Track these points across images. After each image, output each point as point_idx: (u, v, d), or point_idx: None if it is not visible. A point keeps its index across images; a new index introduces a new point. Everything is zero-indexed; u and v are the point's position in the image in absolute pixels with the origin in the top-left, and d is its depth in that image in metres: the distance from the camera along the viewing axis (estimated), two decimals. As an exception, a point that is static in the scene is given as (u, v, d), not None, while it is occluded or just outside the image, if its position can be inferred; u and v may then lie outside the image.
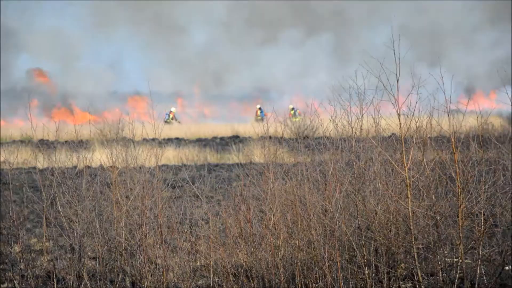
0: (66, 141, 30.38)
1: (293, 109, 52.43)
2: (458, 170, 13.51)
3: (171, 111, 53.61)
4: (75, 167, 15.62)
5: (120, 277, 14.93)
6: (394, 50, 13.41)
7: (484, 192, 13.64)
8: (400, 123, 13.67)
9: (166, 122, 51.82)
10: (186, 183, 16.26)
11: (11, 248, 15.43)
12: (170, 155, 34.80)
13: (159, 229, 14.90)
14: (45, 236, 15.45)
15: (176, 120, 53.83)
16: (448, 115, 13.69)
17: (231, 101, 61.61)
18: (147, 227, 14.81)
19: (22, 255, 15.41)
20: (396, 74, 13.49)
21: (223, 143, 41.20)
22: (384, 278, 14.06)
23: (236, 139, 41.84)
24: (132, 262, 14.81)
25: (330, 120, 15.19)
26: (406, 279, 14.10)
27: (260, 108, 55.04)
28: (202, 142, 41.11)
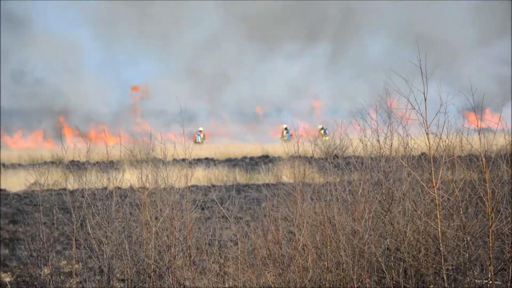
0: (96, 162, 30.57)
1: (322, 128, 52.39)
2: (488, 190, 13.39)
3: (200, 131, 53.75)
4: (105, 188, 15.68)
5: (149, 299, 14.94)
6: (420, 68, 13.36)
7: (514, 212, 13.51)
8: (428, 142, 13.60)
9: (196, 143, 51.95)
10: (215, 204, 16.28)
11: (41, 271, 15.50)
12: (200, 176, 34.87)
13: (188, 251, 14.90)
14: (75, 258, 15.51)
15: (205, 140, 53.97)
16: (479, 133, 13.58)
17: (240, 119, 61.46)
18: (176, 249, 14.82)
19: (52, 277, 15.47)
20: (424, 93, 13.43)
21: (252, 163, 41.21)
22: (414, 299, 13.95)
23: (265, 159, 41.84)
24: (160, 284, 14.82)
25: (360, 140, 15.15)
26: (436, 300, 13.98)
27: (286, 128, 55.05)
28: (231, 162, 41.15)
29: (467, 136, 14.17)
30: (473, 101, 13.27)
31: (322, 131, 51.74)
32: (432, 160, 13.60)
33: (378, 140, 14.81)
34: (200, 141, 52.96)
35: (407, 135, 14.68)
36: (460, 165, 14.11)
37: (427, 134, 13.54)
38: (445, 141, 13.79)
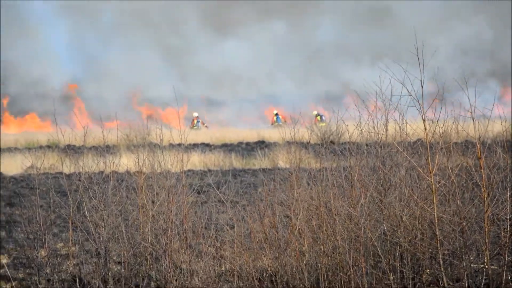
0: (92, 146, 30.58)
1: (318, 114, 52.41)
2: (483, 175, 13.45)
3: (196, 117, 53.71)
4: (102, 172, 15.70)
5: (145, 281, 14.99)
6: (418, 55, 13.38)
7: (510, 198, 13.57)
8: (425, 129, 13.64)
9: (195, 128, 51.92)
10: (212, 188, 16.31)
11: (38, 253, 15.53)
12: (196, 161, 34.90)
13: (184, 234, 14.95)
14: (71, 240, 15.55)
15: (204, 124, 53.94)
16: (473, 120, 13.63)
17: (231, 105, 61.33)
18: (173, 232, 14.86)
19: (49, 259, 15.51)
20: (421, 80, 13.47)
21: (248, 148, 41.25)
22: (409, 284, 14.02)
23: (261, 144, 41.87)
24: (157, 267, 14.87)
25: (356, 126, 15.18)
26: (431, 285, 14.04)
27: (276, 114, 55.06)
28: (227, 148, 41.18)
29: (463, 122, 14.22)
30: (475, 90, 13.32)
31: (318, 117, 51.77)
32: (429, 146, 13.64)
33: (374, 127, 14.84)
34: (199, 127, 52.95)
35: (404, 121, 14.71)
36: (456, 151, 14.16)
37: (423, 120, 13.59)
38: (442, 127, 13.84)
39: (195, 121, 53.05)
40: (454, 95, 14.03)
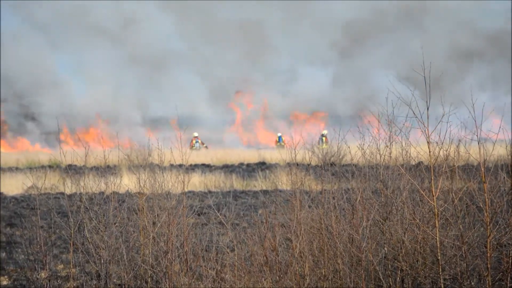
0: (94, 167, 30.54)
1: (322, 135, 52.47)
2: (487, 200, 13.40)
3: (196, 137, 53.66)
4: (103, 192, 15.67)
5: (145, 304, 14.92)
6: (424, 77, 13.37)
7: (512, 223, 13.52)
8: (429, 151, 13.60)
9: (194, 149, 51.86)
10: (212, 210, 16.27)
11: (38, 274, 15.47)
12: (196, 181, 34.86)
13: (185, 257, 14.89)
14: (72, 262, 15.48)
15: (203, 145, 53.90)
16: (479, 143, 13.59)
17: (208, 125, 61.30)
18: (173, 254, 14.80)
19: (49, 281, 15.44)
20: (426, 102, 13.44)
21: (249, 169, 41.20)
22: (410, 308, 13.94)
23: (262, 166, 41.84)
24: (157, 290, 14.80)
25: (358, 148, 15.15)
26: (433, 310, 13.97)
27: (279, 136, 55.18)
28: (228, 169, 41.14)
29: (465, 145, 14.19)
30: (474, 111, 13.29)
31: (324, 138, 51.83)
32: (432, 169, 13.60)
33: (377, 148, 14.81)
34: (198, 147, 52.93)
35: (408, 144, 14.68)
36: (459, 175, 14.12)
37: (428, 142, 13.55)
38: (446, 150, 13.80)
39: (194, 141, 53.02)
40: (460, 117, 14.00)
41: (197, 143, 53.15)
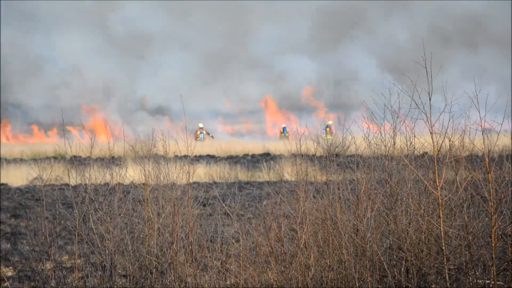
0: (98, 158, 30.56)
1: (327, 126, 52.44)
2: (491, 190, 13.39)
3: (201, 128, 53.62)
4: (107, 183, 15.68)
5: (150, 295, 14.94)
6: (426, 67, 13.36)
7: (517, 213, 13.51)
8: (433, 142, 13.59)
9: (198, 140, 51.84)
10: (217, 200, 16.28)
11: (43, 265, 15.49)
12: (201, 172, 34.89)
13: (190, 247, 14.91)
14: (77, 253, 15.51)
15: (209, 135, 53.85)
16: (483, 133, 13.57)
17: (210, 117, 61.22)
18: (178, 245, 14.82)
19: (54, 272, 15.46)
20: (429, 93, 13.43)
21: (254, 160, 41.22)
22: (415, 298, 13.95)
23: (267, 157, 41.84)
24: (162, 280, 14.82)
25: (363, 138, 15.14)
26: (437, 300, 13.98)
27: (284, 127, 55.17)
28: (233, 160, 41.16)
29: (469, 136, 14.17)
30: (486, 102, 13.29)
31: (328, 129, 51.80)
32: (436, 159, 13.60)
33: (382, 139, 14.80)
34: (202, 138, 52.92)
35: (413, 135, 14.67)
36: (463, 165, 14.11)
37: (431, 133, 13.54)
38: (449, 140, 13.79)
39: (199, 132, 52.99)
40: (463, 107, 13.98)
41: (202, 134, 53.15)
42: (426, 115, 13.47)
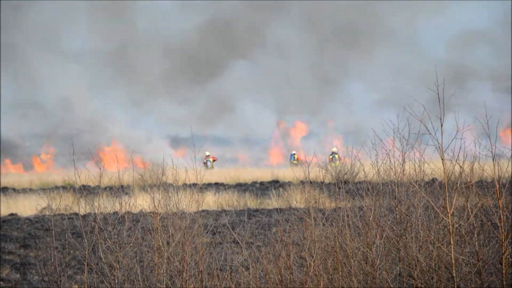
0: (107, 187, 30.56)
1: (333, 153, 52.42)
2: (502, 216, 13.34)
3: (208, 155, 53.65)
4: (116, 212, 15.68)
5: (160, 324, 14.89)
6: (438, 94, 13.36)
7: (528, 239, 13.45)
8: (444, 169, 13.57)
9: (207, 167, 51.85)
10: (226, 228, 16.26)
11: (53, 295, 15.48)
12: (210, 200, 34.88)
13: (200, 276, 14.87)
14: (86, 283, 15.48)
15: (214, 161, 53.86)
16: (493, 159, 13.55)
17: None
18: (188, 274, 14.79)
19: (64, 302, 15.44)
20: (440, 119, 13.43)
21: (262, 187, 41.18)
22: (426, 326, 13.87)
23: (275, 184, 41.80)
24: (172, 309, 14.78)
25: (372, 165, 15.13)
26: (449, 327, 13.89)
27: (293, 154, 55.20)
28: (241, 187, 41.12)
29: (479, 161, 14.15)
30: (488, 127, 13.27)
31: (330, 157, 51.77)
32: (447, 185, 13.57)
33: (390, 166, 14.78)
34: (210, 166, 52.94)
35: (422, 161, 14.63)
36: (473, 191, 14.07)
37: (442, 159, 13.52)
38: (461, 167, 13.76)
39: (205, 160, 53.02)
40: (473, 133, 13.97)
41: (209, 162, 53.18)
42: (437, 141, 13.46)
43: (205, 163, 52.30)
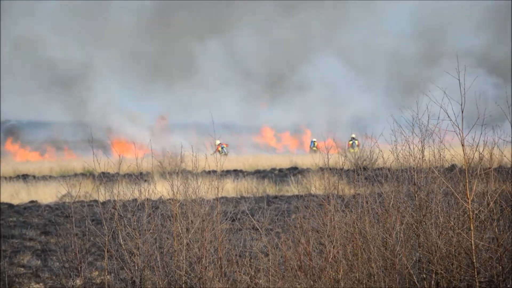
0: (126, 174, 30.63)
1: (352, 139, 52.36)
2: (522, 202, 13.29)
3: (220, 143, 53.64)
4: (135, 199, 15.73)
5: (180, 310, 14.94)
6: (459, 79, 13.30)
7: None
8: (464, 154, 13.52)
9: (221, 154, 51.87)
10: (246, 215, 16.28)
11: (73, 281, 15.56)
12: (229, 187, 34.94)
13: (219, 262, 14.91)
14: (106, 269, 15.56)
15: (227, 146, 53.88)
16: (512, 144, 13.50)
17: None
18: (207, 260, 14.83)
19: (84, 288, 15.53)
20: (461, 104, 13.37)
21: (281, 174, 41.20)
22: (446, 312, 13.86)
23: (294, 171, 41.81)
24: (192, 295, 14.84)
25: (391, 151, 15.09)
26: (468, 313, 13.88)
27: (313, 141, 55.19)
28: (260, 174, 41.17)
29: (499, 147, 14.08)
30: (510, 114, 13.21)
31: (350, 142, 51.71)
32: (467, 171, 13.52)
33: (410, 152, 14.74)
34: (226, 152, 52.98)
35: (442, 147, 14.58)
36: (493, 176, 14.02)
37: (462, 145, 13.47)
38: (480, 153, 13.71)
39: (220, 148, 53.03)
40: (495, 120, 13.90)
41: (223, 148, 53.23)
42: (458, 127, 13.41)
43: (219, 151, 52.34)
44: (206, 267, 14.78)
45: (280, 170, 42.74)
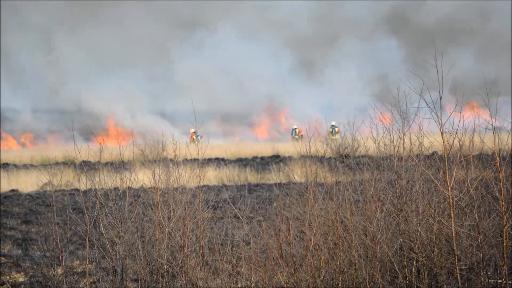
0: (108, 162, 30.52)
1: (332, 126, 52.39)
2: (502, 189, 13.35)
3: (194, 131, 53.49)
4: (117, 188, 15.69)
5: (162, 299, 14.94)
6: (436, 67, 13.33)
7: (528, 212, 13.46)
8: (443, 141, 13.56)
9: (195, 143, 51.76)
10: (227, 203, 16.28)
11: (54, 271, 15.52)
12: (211, 176, 34.90)
13: (201, 251, 14.92)
14: (88, 258, 15.52)
15: (201, 138, 53.76)
16: (493, 132, 13.54)
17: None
18: (189, 249, 14.83)
19: (65, 277, 15.48)
20: (439, 92, 13.41)
21: (263, 162, 41.20)
22: (427, 299, 13.92)
23: (276, 159, 41.82)
24: (173, 284, 14.83)
25: (372, 139, 15.11)
26: (449, 300, 13.95)
27: (294, 129, 55.20)
28: (242, 162, 41.15)
29: (480, 134, 14.14)
30: (497, 101, 13.25)
31: (330, 130, 51.76)
32: (446, 158, 13.57)
33: (391, 139, 14.78)
34: (200, 140, 52.85)
35: (422, 134, 14.64)
36: (474, 164, 14.07)
37: (441, 132, 13.51)
38: (460, 140, 13.76)
39: (194, 136, 52.91)
40: (473, 106, 13.96)
41: (198, 137, 53.10)
42: (436, 114, 13.44)
43: (194, 140, 52.20)
44: (188, 256, 14.78)
45: (262, 158, 42.75)
